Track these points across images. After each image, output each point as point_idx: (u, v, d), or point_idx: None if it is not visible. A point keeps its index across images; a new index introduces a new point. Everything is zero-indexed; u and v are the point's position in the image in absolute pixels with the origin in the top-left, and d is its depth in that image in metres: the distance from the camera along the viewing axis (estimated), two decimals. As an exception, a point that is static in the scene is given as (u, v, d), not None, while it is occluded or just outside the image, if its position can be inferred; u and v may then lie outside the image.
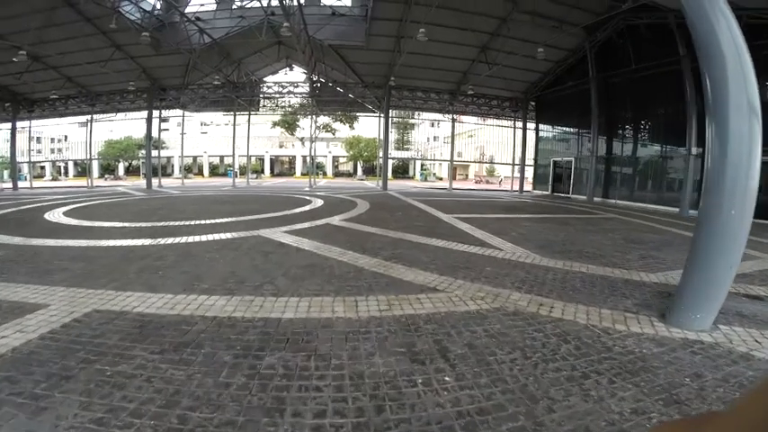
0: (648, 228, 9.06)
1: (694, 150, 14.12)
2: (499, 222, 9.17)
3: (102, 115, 26.20)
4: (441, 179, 50.38)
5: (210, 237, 6.49)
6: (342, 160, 54.59)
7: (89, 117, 24.50)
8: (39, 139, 62.03)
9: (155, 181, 23.76)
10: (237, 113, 25.48)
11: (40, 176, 51.88)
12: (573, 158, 21.31)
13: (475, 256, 5.51)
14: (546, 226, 8.96)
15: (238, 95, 22.80)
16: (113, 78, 20.90)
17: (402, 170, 51.29)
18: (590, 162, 19.26)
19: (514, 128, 25.27)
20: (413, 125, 55.21)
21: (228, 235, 6.66)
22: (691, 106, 14.07)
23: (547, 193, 22.69)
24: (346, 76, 22.31)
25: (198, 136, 60.31)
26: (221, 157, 53.42)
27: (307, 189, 21.68)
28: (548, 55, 19.38)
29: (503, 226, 8.60)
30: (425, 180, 46.01)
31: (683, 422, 0.25)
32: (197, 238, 6.36)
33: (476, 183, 41.83)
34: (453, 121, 23.81)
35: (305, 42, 17.64)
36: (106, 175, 48.19)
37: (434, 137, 58.48)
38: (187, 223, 7.94)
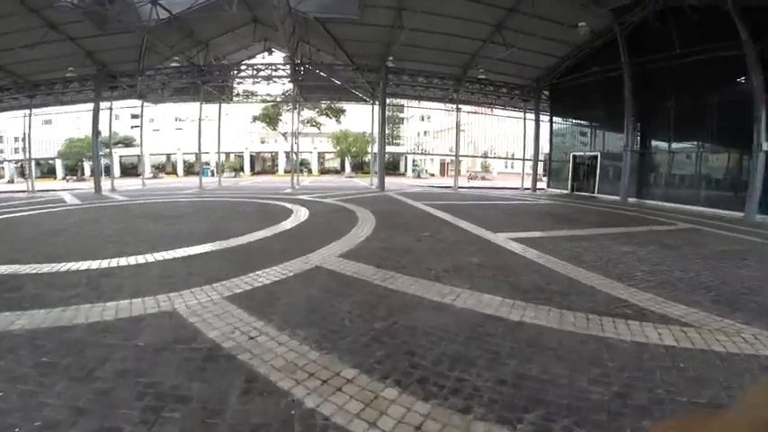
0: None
1: (765, 146, 11.32)
2: (587, 249, 5.84)
3: (43, 109, 21.93)
4: (432, 175, 47.12)
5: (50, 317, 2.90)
6: (328, 156, 50.71)
7: (27, 111, 20.17)
8: (0, 139, 56.41)
9: (106, 184, 19.66)
10: (207, 103, 21.47)
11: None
12: (598, 153, 18.22)
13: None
14: (651, 252, 5.69)
15: (205, 81, 18.81)
16: (53, 65, 16.78)
17: (392, 166, 47.68)
18: (624, 157, 16.15)
19: (524, 119, 22.05)
20: (402, 119, 51.77)
21: (91, 315, 3.09)
22: (758, 95, 11.25)
23: (565, 191, 19.58)
24: (335, 57, 18.64)
25: (172, 132, 55.47)
26: (197, 155, 48.80)
27: (288, 190, 17.99)
28: (566, 37, 16.34)
29: (603, 256, 5.38)
30: (418, 177, 42.67)
31: (684, 421, 0.26)
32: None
33: (469, 179, 38.65)
34: (458, 110, 20.37)
35: (284, 14, 13.95)
36: (68, 176, 43.21)
37: (425, 131, 55.19)
38: (45, 269, 4.34)
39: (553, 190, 20.44)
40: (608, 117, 17.93)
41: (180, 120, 55.33)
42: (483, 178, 40.80)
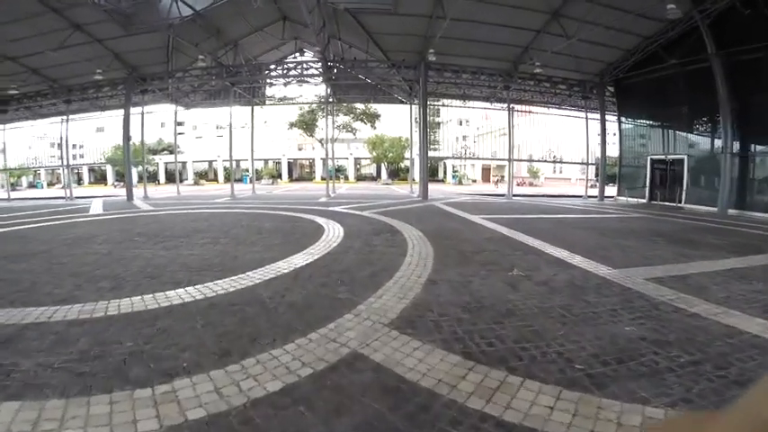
0: None
1: None
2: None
3: (81, 114, 21.75)
4: (474, 181, 44.28)
5: None
6: (364, 162, 49.18)
7: (65, 117, 19.92)
8: (58, 145, 59.87)
9: (138, 192, 18.91)
10: (240, 106, 20.33)
11: (53, 184, 48.89)
12: (685, 157, 15.10)
13: None
14: None
15: (234, 82, 17.56)
16: (84, 68, 16.15)
17: (431, 172, 45.37)
18: (722, 162, 13.07)
19: (587, 118, 19.13)
20: (438, 124, 49.36)
21: None
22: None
23: (641, 200, 16.50)
24: (368, 53, 16.79)
25: (214, 139, 56.28)
26: (237, 162, 48.93)
27: (323, 199, 16.26)
28: (635, 27, 13.74)
29: None
30: (459, 183, 40.04)
31: (684, 419, 0.26)
32: None
33: (517, 185, 35.47)
34: (511, 109, 17.82)
35: (313, 5, 12.28)
36: (115, 182, 44.49)
37: (463, 136, 52.38)
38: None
39: (625, 199, 17.35)
40: (695, 115, 14.93)
41: (220, 127, 56.09)
42: (531, 184, 37.58)
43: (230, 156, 19.40)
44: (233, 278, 4.21)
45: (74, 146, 57.11)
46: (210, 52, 16.34)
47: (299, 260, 4.98)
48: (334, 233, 7.00)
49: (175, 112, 21.12)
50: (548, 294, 3.86)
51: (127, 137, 17.32)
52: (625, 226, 8.88)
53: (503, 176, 46.93)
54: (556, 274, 4.59)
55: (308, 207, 12.38)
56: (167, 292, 3.81)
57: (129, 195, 17.23)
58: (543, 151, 36.75)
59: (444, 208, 12.47)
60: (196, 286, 3.97)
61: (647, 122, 17.04)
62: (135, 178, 21.73)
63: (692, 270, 4.89)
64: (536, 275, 4.49)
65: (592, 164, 19.25)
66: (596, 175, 45.98)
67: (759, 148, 13.06)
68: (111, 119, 26.02)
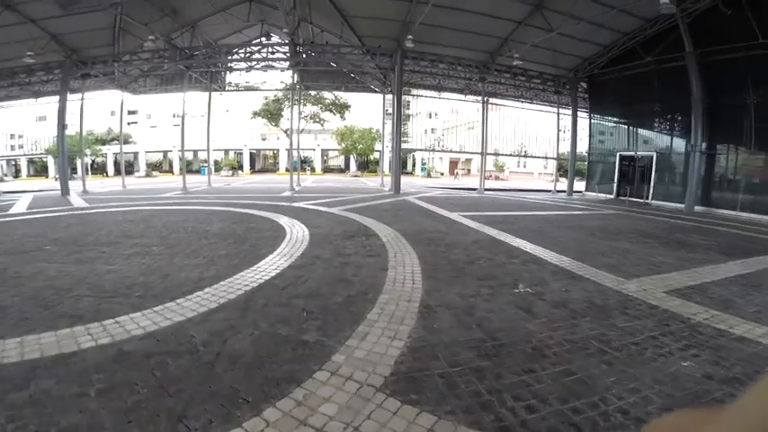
0: None
1: None
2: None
3: (10, 102, 18.97)
4: (442, 174, 44.06)
5: None
6: (332, 154, 47.62)
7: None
8: (-7, 135, 53.43)
9: (75, 185, 16.71)
10: (196, 92, 18.45)
11: (-16, 176, 43.61)
12: (654, 153, 15.19)
13: None
14: None
15: (189, 66, 15.75)
16: (14, 51, 13.81)
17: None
18: (691, 159, 13.15)
19: (558, 114, 19.00)
20: (408, 116, 48.68)
21: None
22: None
23: (609, 196, 16.55)
24: (342, 38, 15.58)
25: (169, 128, 52.40)
26: (195, 152, 45.79)
27: (286, 193, 14.99)
28: (614, 23, 13.70)
29: None
30: (428, 176, 39.59)
31: (682, 417, 0.26)
32: None
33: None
34: (485, 102, 17.26)
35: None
36: (56, 175, 40.24)
37: (432, 129, 52.06)
38: None
39: (592, 194, 17.38)
40: (666, 113, 15.06)
41: (177, 116, 52.27)
42: (497, 178, 37.78)
43: (182, 145, 17.59)
44: (157, 309, 3.14)
45: (11, 136, 51.35)
46: (164, 34, 14.44)
47: (252, 279, 3.94)
48: (297, 237, 5.94)
49: (122, 100, 18.81)
50: (571, 320, 3.13)
51: (62, 125, 15.15)
52: (609, 224, 8.46)
53: (466, 170, 47.17)
54: (568, 289, 3.87)
55: (269, 203, 11.15)
56: (59, 332, 2.70)
57: (65, 190, 15.11)
58: (510, 145, 36.97)
59: (419, 203, 11.66)
60: (103, 322, 2.88)
61: (618, 119, 17.06)
62: (80, 170, 19.26)
63: (704, 278, 4.47)
64: (547, 293, 3.75)
65: (563, 159, 19.16)
66: (558, 170, 47.39)
67: (726, 146, 13.27)
68: (53, 106, 23.06)
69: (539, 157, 33.38)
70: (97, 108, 40.26)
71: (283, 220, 7.48)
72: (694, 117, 12.81)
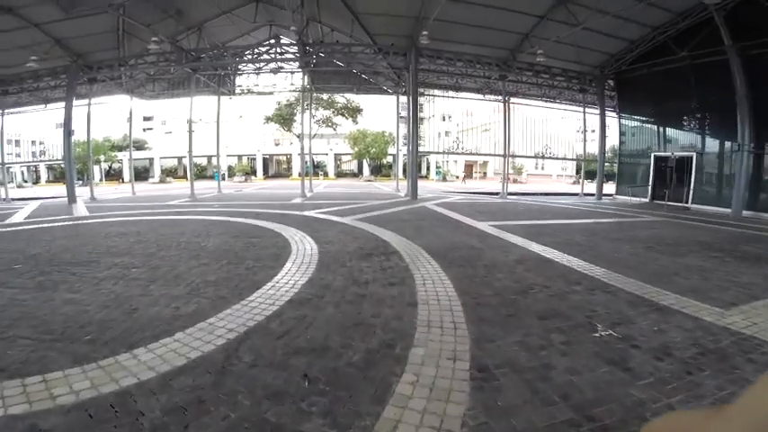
0: None
1: None
2: None
3: (21, 108, 18.75)
4: (457, 177, 42.88)
5: None
6: (345, 158, 46.94)
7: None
8: (18, 143, 54.61)
9: (82, 191, 16.27)
10: (205, 97, 17.89)
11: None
12: (694, 154, 13.86)
13: None
14: None
15: (196, 68, 15.14)
16: (18, 57, 13.51)
17: (413, 169, 43.75)
18: (739, 160, 11.85)
19: (584, 113, 17.78)
20: (421, 119, 47.72)
21: None
22: None
23: (643, 200, 15.23)
24: (352, 37, 14.76)
25: (184, 134, 52.63)
26: (209, 158, 45.78)
27: (297, 200, 14.18)
28: (642, 17, 12.62)
29: None
30: (444, 180, 38.46)
31: (683, 417, 0.26)
32: None
33: (500, 181, 34.33)
34: (506, 102, 16.16)
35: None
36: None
37: (446, 131, 50.96)
38: None
39: (624, 198, 16.07)
40: (704, 110, 13.81)
41: (192, 121, 52.49)
42: (515, 181, 36.39)
43: (189, 150, 17.00)
44: (103, 364, 2.31)
45: (33, 143, 52.40)
46: (169, 36, 13.88)
47: (240, 319, 3.01)
48: (304, 256, 5.02)
49: (130, 105, 18.40)
50: (686, 376, 2.25)
51: (68, 131, 14.71)
52: (661, 234, 7.31)
53: (482, 173, 45.86)
54: (661, 329, 2.87)
55: (278, 211, 10.29)
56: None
57: (72, 197, 14.62)
58: (529, 147, 35.56)
59: (440, 211, 10.63)
60: (25, 380, 2.07)
61: (650, 118, 15.75)
62: (91, 176, 18.91)
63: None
64: (636, 336, 2.76)
65: (591, 160, 17.90)
66: (577, 172, 45.55)
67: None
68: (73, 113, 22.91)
69: (563, 159, 31.97)
70: (113, 114, 40.62)
71: (290, 233, 6.57)
72: (740, 114, 11.57)
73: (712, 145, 13.62)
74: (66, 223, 8.80)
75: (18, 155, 55.52)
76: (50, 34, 13.36)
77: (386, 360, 2.41)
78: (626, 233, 7.48)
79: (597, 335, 2.79)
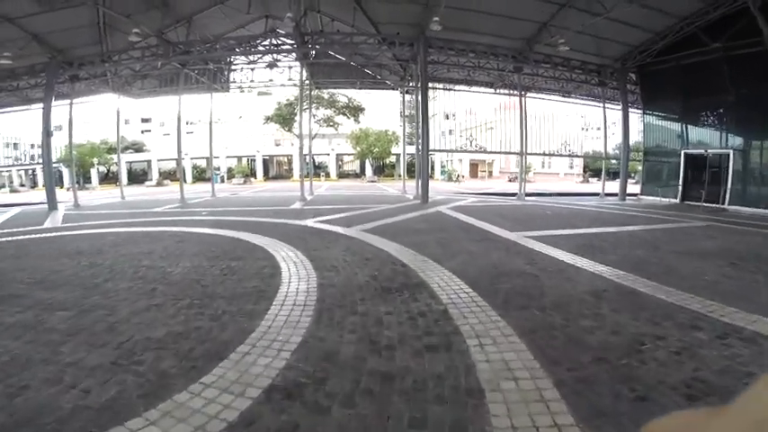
0: None
1: None
2: None
3: (3, 109, 17.59)
4: (463, 177, 41.56)
5: None
6: (347, 159, 45.64)
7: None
8: (16, 146, 53.53)
9: (64, 195, 15.05)
10: (194, 93, 16.65)
11: None
12: (730, 152, 12.57)
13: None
14: None
15: (184, 62, 13.87)
16: None
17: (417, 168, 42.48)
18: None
19: (604, 108, 16.47)
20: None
21: None
22: None
23: (673, 201, 13.91)
24: (354, 27, 13.47)
25: (183, 136, 51.42)
26: (207, 160, 44.52)
27: (296, 205, 12.92)
28: (671, 7, 11.43)
29: None
30: (450, 179, 37.11)
31: (682, 417, 0.26)
32: None
33: (508, 181, 33.34)
34: (522, 96, 14.84)
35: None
36: (68, 186, 39.47)
37: (449, 130, 49.60)
38: None
39: (651, 198, 14.75)
40: (742, 105, 12.50)
41: (191, 123, 51.27)
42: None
43: (179, 152, 15.80)
44: None
45: (32, 146, 51.23)
46: (154, 29, 12.62)
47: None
48: (297, 295, 3.68)
49: (118, 104, 17.16)
50: None
51: (47, 131, 13.50)
52: (728, 245, 6.00)
53: (488, 172, 44.51)
54: None
55: (272, 220, 8.99)
56: None
57: (52, 204, 13.39)
58: (540, 144, 34.24)
59: (458, 216, 9.32)
60: None
61: (679, 113, 14.41)
62: (94, 180, 17.77)
63: None
64: None
65: (615, 159, 16.57)
66: (584, 171, 44.11)
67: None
68: (65, 115, 21.66)
69: (583, 156, 30.69)
70: (110, 117, 39.53)
71: (281, 255, 5.26)
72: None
73: (751, 142, 12.35)
74: (27, 237, 7.55)
75: (17, 158, 54.50)
76: (26, 29, 12.21)
77: None
78: (687, 245, 6.17)
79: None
